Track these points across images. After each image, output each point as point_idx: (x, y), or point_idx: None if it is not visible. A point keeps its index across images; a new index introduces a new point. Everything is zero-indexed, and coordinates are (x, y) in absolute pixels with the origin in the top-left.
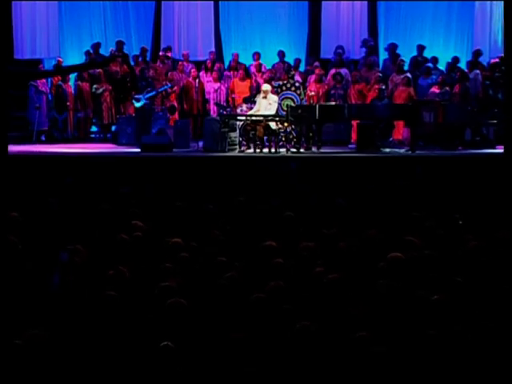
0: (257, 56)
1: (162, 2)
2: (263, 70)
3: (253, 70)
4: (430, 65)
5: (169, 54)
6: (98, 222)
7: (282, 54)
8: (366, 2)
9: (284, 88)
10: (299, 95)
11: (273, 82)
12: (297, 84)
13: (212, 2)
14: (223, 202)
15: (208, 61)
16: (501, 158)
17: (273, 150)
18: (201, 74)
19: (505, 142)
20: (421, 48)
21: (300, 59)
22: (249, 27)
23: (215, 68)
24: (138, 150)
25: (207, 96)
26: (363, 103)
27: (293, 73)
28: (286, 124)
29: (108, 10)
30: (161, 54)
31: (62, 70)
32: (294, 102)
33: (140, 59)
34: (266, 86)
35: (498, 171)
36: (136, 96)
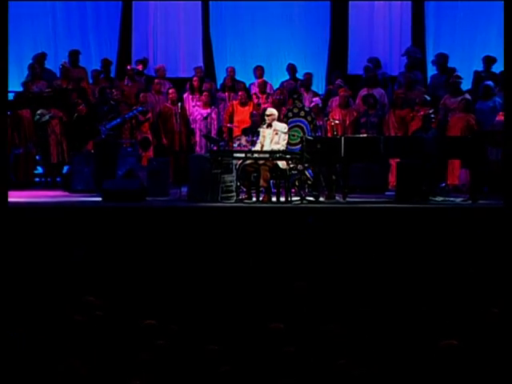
0: (259, 72)
1: None
2: (268, 90)
3: (254, 90)
4: (489, 83)
5: (140, 69)
6: (44, 298)
7: (292, 69)
8: (410, 2)
9: (290, 115)
10: (310, 122)
11: (284, 108)
12: (306, 108)
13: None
14: (214, 270)
15: (194, 78)
16: None
17: (282, 199)
18: (184, 96)
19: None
20: (488, 61)
21: (311, 74)
22: (249, 32)
23: (204, 88)
24: (99, 198)
25: (193, 126)
26: (405, 135)
27: (296, 95)
28: (300, 164)
29: (57, 9)
30: (129, 68)
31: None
32: (304, 133)
33: (102, 76)
34: (270, 110)
35: None
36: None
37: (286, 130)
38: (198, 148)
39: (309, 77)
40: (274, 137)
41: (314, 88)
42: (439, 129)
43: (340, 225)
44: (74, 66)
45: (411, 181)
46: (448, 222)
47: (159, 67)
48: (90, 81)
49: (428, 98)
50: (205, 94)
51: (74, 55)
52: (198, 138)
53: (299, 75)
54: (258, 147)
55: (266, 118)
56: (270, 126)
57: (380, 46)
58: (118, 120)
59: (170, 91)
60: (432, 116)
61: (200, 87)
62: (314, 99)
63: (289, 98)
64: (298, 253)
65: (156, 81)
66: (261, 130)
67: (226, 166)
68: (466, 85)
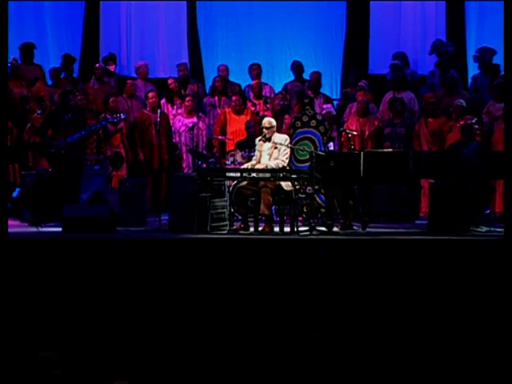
0: (255, 71)
1: None
2: (268, 94)
3: (250, 93)
4: None
5: (111, 68)
6: None
7: (297, 68)
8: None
9: (298, 124)
10: (323, 134)
11: (288, 116)
12: (318, 116)
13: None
14: (202, 317)
15: (170, 81)
16: None
17: (287, 230)
18: (161, 102)
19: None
20: None
21: (319, 73)
22: (246, 24)
23: (189, 91)
24: (59, 229)
25: (175, 139)
26: (441, 150)
27: (307, 100)
28: (309, 185)
29: None
30: (97, 66)
31: None
32: (316, 147)
33: (62, 75)
34: (267, 121)
35: None
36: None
37: (285, 143)
38: (183, 166)
39: (316, 77)
40: (273, 152)
41: (326, 91)
42: (483, 142)
43: (359, 261)
44: (28, 64)
45: (448, 206)
46: (493, 258)
47: (140, 65)
48: (49, 82)
49: (463, 104)
50: (188, 98)
51: (26, 49)
52: (183, 155)
53: (307, 75)
54: (252, 163)
55: (265, 130)
56: (267, 138)
57: (409, 39)
58: (83, 132)
59: (150, 95)
60: (476, 127)
61: (180, 90)
62: (325, 106)
63: (297, 103)
64: (307, 295)
65: (129, 82)
66: (257, 143)
67: (216, 189)
68: None
